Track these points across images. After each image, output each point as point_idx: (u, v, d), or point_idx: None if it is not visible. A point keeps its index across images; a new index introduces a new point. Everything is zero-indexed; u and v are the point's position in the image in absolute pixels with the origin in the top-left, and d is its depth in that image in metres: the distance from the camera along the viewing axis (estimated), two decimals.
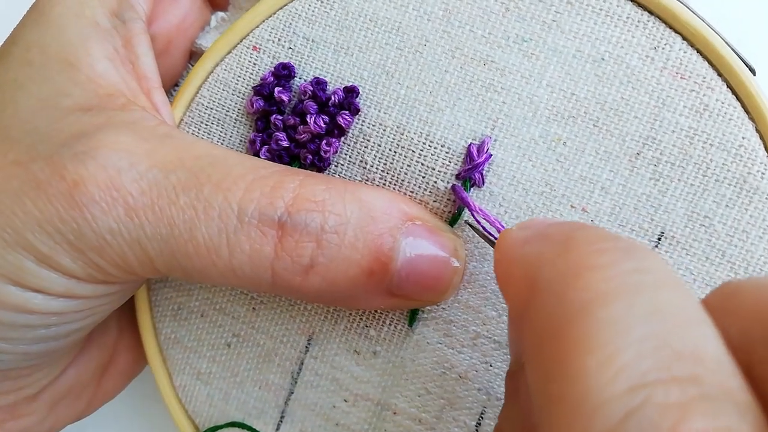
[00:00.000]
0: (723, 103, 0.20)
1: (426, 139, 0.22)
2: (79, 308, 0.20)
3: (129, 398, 0.29)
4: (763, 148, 0.20)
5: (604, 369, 0.10)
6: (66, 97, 0.21)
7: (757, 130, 0.20)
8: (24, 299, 0.19)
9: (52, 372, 0.24)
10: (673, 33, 0.20)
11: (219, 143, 0.24)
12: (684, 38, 0.20)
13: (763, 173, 0.20)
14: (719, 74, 0.20)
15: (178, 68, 0.25)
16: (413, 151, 0.22)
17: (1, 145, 0.20)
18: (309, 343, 0.24)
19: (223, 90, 0.23)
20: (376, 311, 0.23)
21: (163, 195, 0.19)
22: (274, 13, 0.23)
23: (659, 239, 0.21)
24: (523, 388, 0.16)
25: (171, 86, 0.26)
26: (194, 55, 0.26)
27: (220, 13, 0.26)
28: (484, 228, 0.21)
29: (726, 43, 0.20)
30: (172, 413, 0.25)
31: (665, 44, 0.20)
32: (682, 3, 0.20)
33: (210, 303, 0.25)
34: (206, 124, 0.24)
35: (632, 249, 0.12)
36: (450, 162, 0.22)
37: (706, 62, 0.20)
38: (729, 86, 0.20)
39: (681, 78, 0.20)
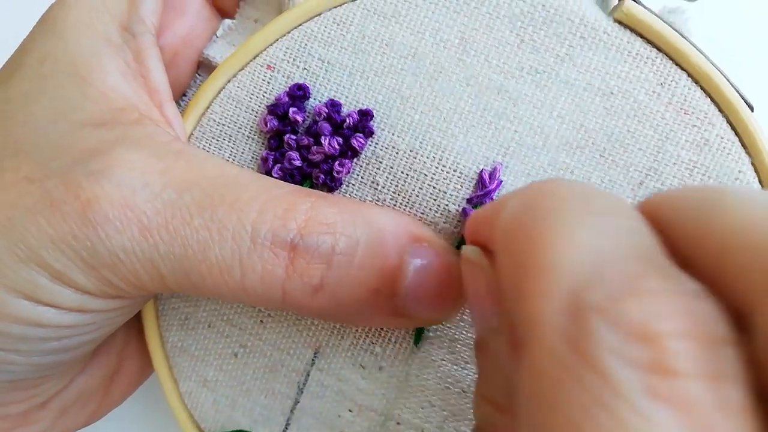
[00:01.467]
0: (722, 138, 0.22)
1: (438, 163, 0.23)
2: (91, 321, 0.21)
3: (135, 404, 0.30)
4: (758, 182, 0.22)
5: (569, 244, 0.12)
6: (79, 111, 0.22)
7: (753, 164, 0.22)
8: (37, 313, 0.20)
9: (62, 381, 0.24)
10: (679, 70, 0.22)
11: (230, 159, 0.24)
12: (689, 75, 0.22)
13: None
14: (720, 110, 0.22)
15: (185, 79, 0.26)
16: (425, 174, 0.23)
17: (13, 159, 0.21)
18: (315, 356, 0.25)
19: (236, 107, 0.24)
20: (381, 329, 0.25)
21: (177, 215, 0.20)
22: (289, 33, 0.23)
23: None
24: (493, 351, 0.18)
25: (179, 97, 0.26)
26: (201, 65, 0.26)
27: (228, 22, 0.26)
28: None
29: (728, 81, 0.21)
30: (179, 418, 0.27)
31: (671, 81, 0.22)
32: (688, 41, 0.22)
33: (217, 314, 0.26)
34: (217, 140, 0.24)
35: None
36: (462, 186, 0.23)
37: (709, 99, 0.22)
38: (728, 122, 0.22)
39: (684, 113, 0.22)
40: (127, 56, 0.23)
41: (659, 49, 0.22)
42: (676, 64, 0.22)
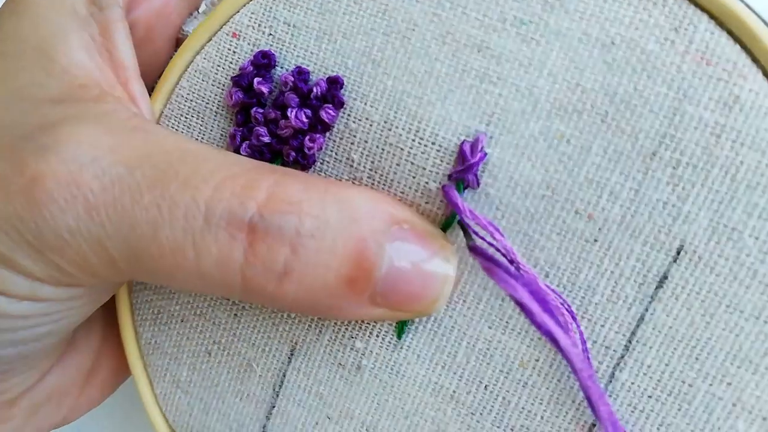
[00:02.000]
0: (758, 94, 0.18)
1: (415, 135, 0.20)
2: (46, 311, 0.20)
3: (114, 405, 0.29)
4: None
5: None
6: (40, 89, 0.21)
7: None
8: None
9: (31, 377, 0.24)
10: (698, 11, 0.18)
11: (199, 137, 0.23)
12: (711, 16, 0.18)
13: None
14: (753, 60, 0.18)
15: (162, 56, 0.25)
16: (402, 148, 0.20)
17: None
18: (292, 354, 0.23)
19: (203, 81, 0.23)
20: (362, 321, 0.22)
21: (125, 192, 0.18)
22: None
23: (678, 253, 0.19)
24: None
25: (156, 75, 0.25)
26: (181, 42, 0.25)
27: None
28: (475, 233, 0.20)
29: (762, 20, 0.18)
30: (154, 423, 0.25)
31: (688, 24, 0.18)
32: None
33: (191, 307, 0.24)
34: (186, 117, 0.23)
35: None
36: (442, 161, 0.20)
37: (738, 45, 0.18)
38: (765, 74, 0.18)
39: (707, 64, 0.18)
40: (93, 30, 0.22)
41: None
42: (694, 3, 0.18)
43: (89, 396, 0.26)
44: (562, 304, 0.20)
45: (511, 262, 0.20)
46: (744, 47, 0.18)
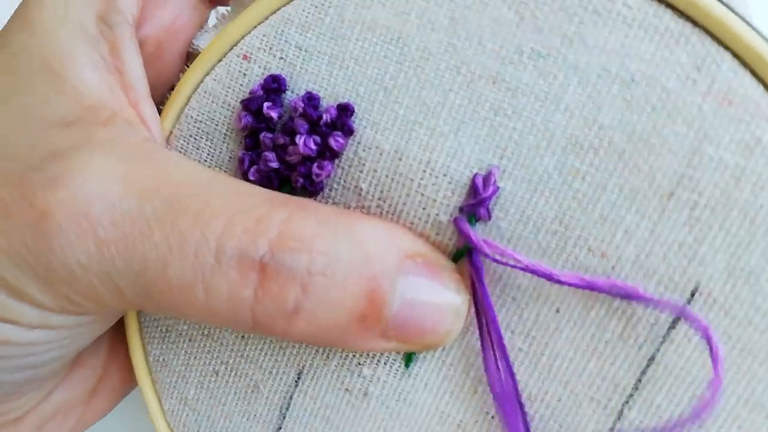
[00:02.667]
0: None
1: (426, 166, 0.20)
2: (56, 338, 0.21)
3: (119, 417, 0.29)
4: None
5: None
6: (48, 109, 0.21)
7: None
8: None
9: (39, 395, 0.24)
10: (721, 49, 0.18)
11: (208, 159, 0.23)
12: (735, 55, 0.18)
13: None
14: None
15: (172, 72, 0.25)
16: (412, 179, 0.20)
17: None
18: (299, 378, 0.23)
19: (212, 102, 0.22)
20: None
21: (136, 227, 0.18)
22: (267, 19, 0.21)
23: (692, 295, 0.19)
24: None
25: (166, 90, 0.25)
26: (191, 56, 0.25)
27: (221, 10, 0.25)
28: (495, 260, 0.19)
29: None
30: None
31: (711, 63, 0.18)
32: (733, 11, 0.17)
33: (198, 328, 0.24)
34: (195, 139, 0.23)
35: None
36: (453, 194, 0.20)
37: (762, 86, 0.17)
38: None
39: (729, 105, 0.18)
40: (103, 49, 0.22)
41: (695, 23, 0.18)
42: (718, 42, 0.18)
43: (95, 409, 0.26)
44: None
45: (549, 276, 0.19)
46: (767, 88, 0.18)
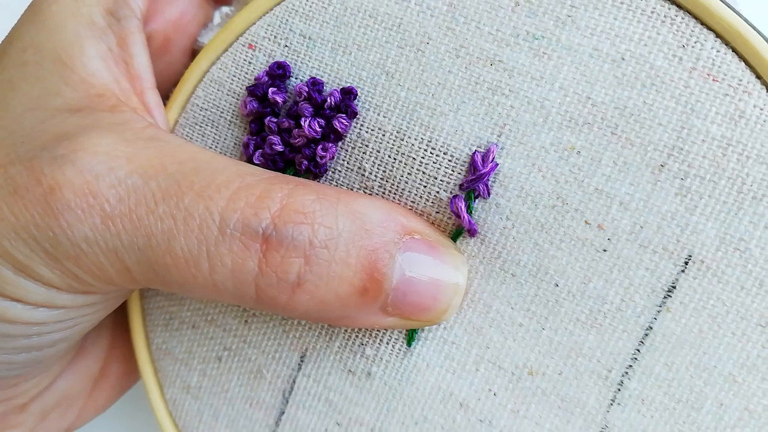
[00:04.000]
0: (762, 109, 0.19)
1: (427, 145, 0.21)
2: (61, 318, 0.21)
3: (122, 409, 0.29)
4: None
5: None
6: (56, 97, 0.22)
7: None
8: (2, 308, 0.20)
9: (42, 382, 0.24)
10: (704, 29, 0.19)
11: (213, 146, 0.24)
12: (717, 35, 0.19)
13: None
14: (758, 76, 0.19)
15: (178, 67, 0.26)
16: (414, 158, 0.21)
17: None
18: (302, 360, 0.24)
19: (218, 90, 0.24)
20: (373, 329, 0.23)
21: (141, 203, 0.19)
22: (271, 9, 0.23)
23: (686, 263, 0.20)
24: None
25: (171, 85, 0.26)
26: (196, 53, 0.26)
27: (225, 9, 0.26)
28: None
29: (766, 40, 0.19)
30: (163, 428, 0.26)
31: (695, 42, 0.19)
32: None
33: (202, 314, 0.25)
34: (200, 126, 0.24)
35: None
36: (453, 171, 0.21)
37: (743, 63, 0.19)
38: None
39: (713, 80, 0.19)
40: (111, 41, 0.23)
41: (679, 6, 0.19)
42: (701, 23, 0.19)
43: (97, 401, 0.27)
44: None
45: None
46: (748, 65, 0.19)
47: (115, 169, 0.19)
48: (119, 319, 0.26)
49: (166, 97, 0.25)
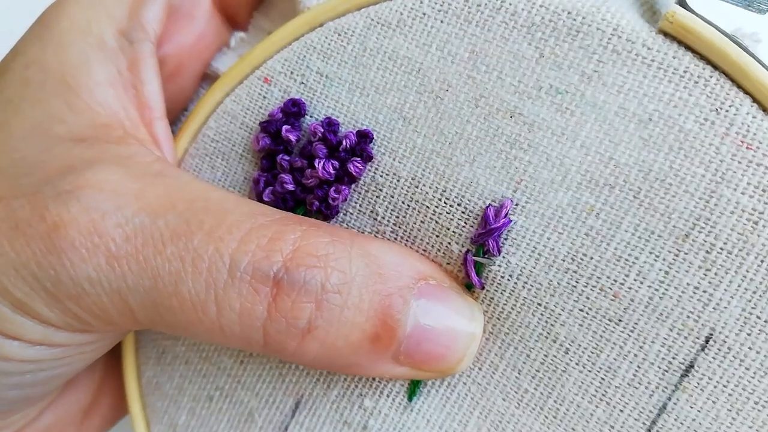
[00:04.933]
0: None
1: (441, 195, 0.21)
2: (57, 356, 0.21)
3: None
4: None
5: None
6: (60, 124, 0.21)
7: None
8: None
9: (30, 413, 0.24)
10: (740, 93, 0.19)
11: (222, 179, 0.24)
12: (754, 100, 0.19)
13: None
14: None
15: (188, 92, 0.26)
16: (428, 206, 0.21)
17: None
18: (296, 407, 0.23)
19: (231, 123, 0.24)
20: (374, 379, 0.22)
21: (149, 243, 0.19)
22: (290, 44, 0.23)
23: (707, 341, 0.19)
24: None
25: (181, 111, 0.26)
26: (208, 78, 0.26)
27: (240, 34, 0.26)
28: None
29: None
30: None
31: (730, 106, 0.19)
32: (753, 56, 0.18)
33: (196, 350, 0.25)
34: (210, 158, 0.24)
35: None
36: (466, 223, 0.21)
37: None
38: None
39: (747, 148, 0.18)
40: (121, 64, 0.23)
41: (715, 67, 0.19)
42: (737, 86, 0.19)
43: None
44: None
45: None
46: None
47: (122, 208, 0.19)
48: (112, 350, 0.26)
49: (173, 122, 0.25)
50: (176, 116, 0.26)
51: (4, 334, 0.19)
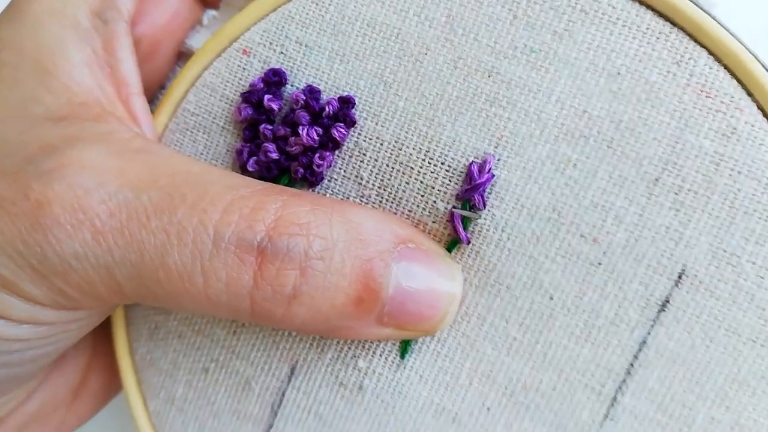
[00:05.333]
0: (753, 126, 0.20)
1: (425, 155, 0.22)
2: (44, 335, 0.21)
3: (104, 421, 0.29)
4: None
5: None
6: (38, 105, 0.22)
7: None
8: None
9: (19, 395, 0.24)
10: (698, 47, 0.20)
11: (204, 152, 0.24)
12: (710, 53, 0.20)
13: None
14: (749, 94, 0.20)
15: (164, 71, 0.26)
16: (412, 167, 0.22)
17: None
18: (292, 373, 0.24)
19: (211, 96, 0.24)
20: (366, 340, 0.23)
21: (133, 217, 0.19)
22: (267, 15, 0.23)
23: (680, 277, 0.21)
24: None
25: (157, 89, 0.26)
26: (183, 56, 0.27)
27: (212, 12, 0.27)
28: None
29: (756, 59, 0.20)
30: None
31: (689, 59, 0.20)
32: (708, 14, 0.20)
33: (189, 324, 0.25)
34: (191, 132, 0.24)
35: None
36: (450, 181, 0.22)
37: (735, 80, 0.20)
38: (760, 107, 0.20)
39: (707, 96, 0.20)
40: (96, 44, 0.23)
41: (674, 24, 0.20)
42: (695, 40, 0.20)
43: (77, 412, 0.27)
44: None
45: None
46: (740, 82, 0.20)
47: (105, 184, 0.19)
48: (101, 328, 0.26)
49: (150, 101, 0.26)
50: (153, 95, 0.26)
51: None
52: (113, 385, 0.28)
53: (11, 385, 0.23)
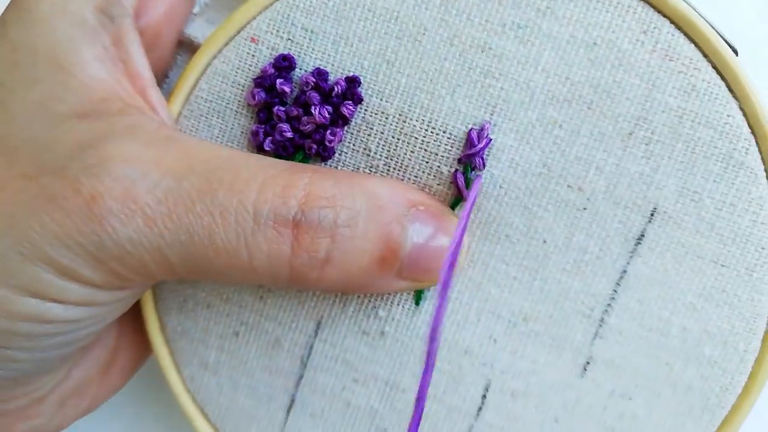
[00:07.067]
0: (709, 83, 0.24)
1: (428, 126, 0.25)
2: (95, 314, 0.23)
3: (133, 390, 0.32)
4: (747, 125, 0.24)
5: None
6: (60, 103, 0.23)
7: (741, 108, 0.24)
8: (44, 310, 0.22)
9: (60, 373, 0.27)
10: (661, 17, 0.24)
11: (220, 135, 0.27)
12: (671, 22, 0.24)
13: (747, 149, 0.24)
14: (705, 55, 0.24)
15: (167, 60, 0.28)
16: (416, 137, 0.25)
17: (1, 156, 0.22)
18: (318, 328, 0.27)
19: (222, 82, 0.26)
20: (389, 293, 0.27)
21: (179, 203, 0.22)
22: (272, 5, 0.26)
23: (652, 215, 0.25)
24: None
25: (161, 79, 0.28)
26: (181, 44, 0.28)
27: (203, 0, 0.28)
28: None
29: (711, 26, 0.24)
30: (182, 405, 0.29)
31: (654, 28, 0.24)
32: None
33: (217, 294, 0.28)
34: (206, 117, 0.27)
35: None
36: (452, 147, 0.25)
37: (693, 44, 0.24)
38: (714, 67, 0.24)
39: (669, 60, 0.24)
40: (105, 41, 0.24)
41: None
42: (658, 12, 0.24)
43: (108, 385, 0.29)
44: None
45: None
46: (697, 46, 0.24)
47: (148, 174, 0.22)
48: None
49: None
50: (159, 84, 0.28)
51: (49, 299, 0.22)
52: (139, 358, 0.30)
53: (60, 364, 0.26)
